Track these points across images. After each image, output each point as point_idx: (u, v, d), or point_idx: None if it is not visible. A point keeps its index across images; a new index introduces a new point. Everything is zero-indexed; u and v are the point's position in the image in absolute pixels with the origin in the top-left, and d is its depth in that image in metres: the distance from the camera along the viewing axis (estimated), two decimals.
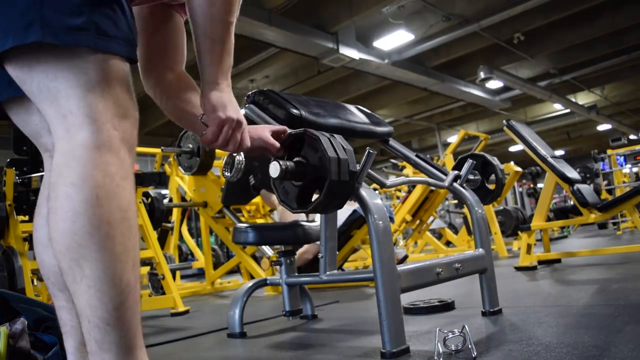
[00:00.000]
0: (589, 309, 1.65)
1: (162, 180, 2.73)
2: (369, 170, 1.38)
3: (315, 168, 1.26)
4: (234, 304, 1.89)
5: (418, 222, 5.50)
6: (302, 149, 1.30)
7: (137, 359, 0.84)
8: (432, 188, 5.15)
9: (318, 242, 1.84)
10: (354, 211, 3.71)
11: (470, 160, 1.84)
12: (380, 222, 1.32)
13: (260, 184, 3.74)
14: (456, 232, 8.07)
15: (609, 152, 7.22)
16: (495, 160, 1.91)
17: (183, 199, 4.53)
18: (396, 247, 3.45)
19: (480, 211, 1.77)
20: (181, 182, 4.41)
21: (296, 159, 1.29)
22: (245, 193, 3.89)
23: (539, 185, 9.81)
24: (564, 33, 8.55)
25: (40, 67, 0.83)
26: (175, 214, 4.78)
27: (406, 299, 1.87)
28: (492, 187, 1.93)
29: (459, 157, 1.96)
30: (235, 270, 4.94)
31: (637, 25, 8.33)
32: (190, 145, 3.96)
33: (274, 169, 1.25)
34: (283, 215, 3.81)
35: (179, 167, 4.17)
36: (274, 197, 1.64)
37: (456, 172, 1.81)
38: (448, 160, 5.09)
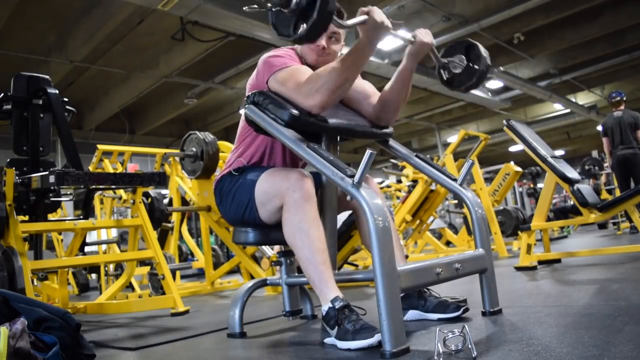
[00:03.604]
0: (589, 309, 1.65)
1: (162, 180, 2.73)
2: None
3: None
4: (234, 304, 1.89)
5: (418, 222, 5.50)
6: None
7: None
8: (432, 188, 5.16)
9: None
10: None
11: (471, 160, 1.84)
12: (380, 222, 1.32)
13: None
14: (456, 232, 8.07)
15: None
16: (478, 45, 1.93)
17: (183, 199, 4.54)
18: None
19: (480, 211, 1.77)
20: (181, 182, 4.41)
21: None
22: None
23: (539, 185, 9.81)
24: (564, 33, 8.55)
25: None
26: (176, 214, 4.78)
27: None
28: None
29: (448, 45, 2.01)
30: (235, 270, 4.94)
31: (637, 25, 8.33)
32: (194, 149, 3.92)
33: None
34: None
35: (183, 171, 4.14)
36: None
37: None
38: (448, 160, 5.09)
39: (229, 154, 4.41)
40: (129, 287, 4.16)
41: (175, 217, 4.81)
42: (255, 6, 1.52)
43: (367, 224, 1.33)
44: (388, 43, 7.99)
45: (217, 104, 10.66)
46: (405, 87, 1.82)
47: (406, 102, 1.86)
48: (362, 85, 1.93)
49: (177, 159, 4.21)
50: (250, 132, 1.82)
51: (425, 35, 1.81)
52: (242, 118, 1.81)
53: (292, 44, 1.65)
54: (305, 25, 1.41)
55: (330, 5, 1.38)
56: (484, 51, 1.92)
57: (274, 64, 1.70)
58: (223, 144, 4.34)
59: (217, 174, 1.95)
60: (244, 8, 1.54)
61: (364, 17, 1.55)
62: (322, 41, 1.78)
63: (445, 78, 2.00)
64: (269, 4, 1.45)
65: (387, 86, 1.84)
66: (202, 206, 4.00)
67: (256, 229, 1.80)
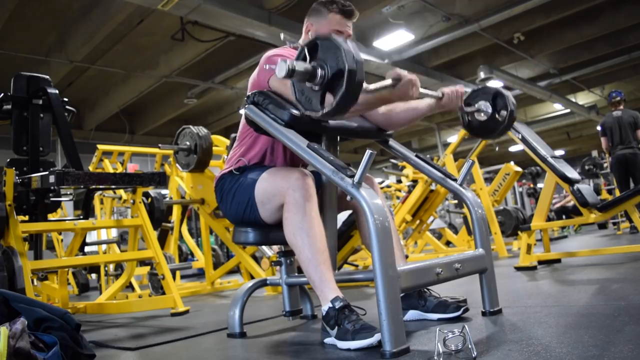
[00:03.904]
0: (589, 309, 1.65)
1: (162, 180, 2.73)
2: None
3: (332, 68, 1.33)
4: (234, 304, 1.89)
5: (418, 222, 5.50)
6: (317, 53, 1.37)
7: None
8: (432, 188, 5.16)
9: None
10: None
11: (471, 160, 1.84)
12: (380, 222, 1.32)
13: None
14: (456, 232, 8.07)
15: None
16: (506, 92, 1.90)
17: (183, 198, 4.54)
18: None
19: (480, 211, 1.77)
20: (181, 182, 4.41)
21: (313, 62, 1.37)
22: None
23: (539, 185, 9.81)
24: (564, 33, 8.55)
25: None
26: (176, 214, 4.78)
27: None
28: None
29: (471, 89, 1.97)
30: (236, 270, 4.94)
31: (637, 25, 8.33)
32: (188, 143, 3.97)
33: (280, 68, 1.33)
34: None
35: (177, 165, 4.18)
36: None
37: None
38: (448, 160, 5.08)
39: (222, 147, 4.44)
40: (129, 287, 4.16)
41: (175, 217, 4.81)
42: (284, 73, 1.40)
43: (367, 224, 1.33)
44: (388, 43, 7.99)
45: (217, 104, 10.66)
46: (416, 118, 1.89)
47: None
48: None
49: (174, 154, 4.22)
50: (251, 132, 1.82)
51: (454, 99, 1.82)
52: (243, 118, 1.81)
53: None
54: (333, 97, 1.34)
55: (359, 76, 1.30)
56: (512, 102, 1.87)
57: (276, 64, 1.70)
58: (217, 138, 4.36)
59: (218, 172, 1.94)
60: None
61: (391, 82, 1.58)
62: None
63: (467, 122, 1.97)
64: (292, 78, 1.40)
65: (400, 108, 1.85)
66: (196, 199, 4.04)
67: (256, 229, 1.80)
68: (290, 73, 1.34)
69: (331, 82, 1.35)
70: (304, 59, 1.39)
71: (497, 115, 1.88)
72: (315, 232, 1.57)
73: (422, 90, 1.68)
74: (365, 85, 1.43)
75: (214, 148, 4.08)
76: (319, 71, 1.36)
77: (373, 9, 6.83)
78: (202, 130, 3.97)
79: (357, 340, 1.39)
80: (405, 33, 7.73)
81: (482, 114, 1.90)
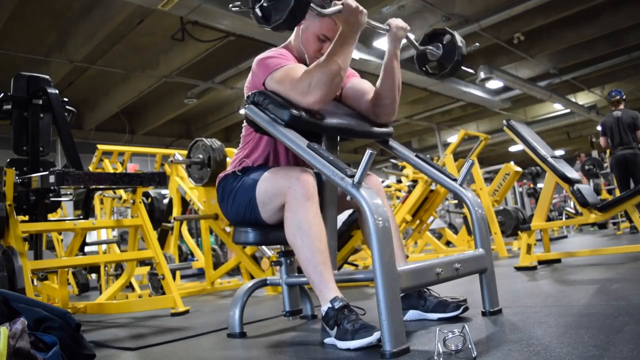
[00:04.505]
0: (589, 309, 1.65)
1: (162, 180, 2.73)
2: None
3: None
4: (234, 304, 1.89)
5: (418, 222, 5.50)
6: None
7: None
8: (432, 188, 5.16)
9: None
10: (354, 211, 3.70)
11: (471, 160, 1.84)
12: (380, 222, 1.32)
13: None
14: (456, 232, 8.07)
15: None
16: (455, 34, 1.98)
17: (183, 199, 4.53)
18: None
19: (480, 211, 1.77)
20: (181, 182, 4.41)
21: None
22: None
23: (539, 185, 9.81)
24: (564, 33, 8.55)
25: None
26: (175, 214, 4.77)
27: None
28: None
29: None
30: (236, 270, 4.94)
31: (637, 25, 8.33)
32: (201, 156, 3.87)
33: None
34: None
35: (189, 179, 4.07)
36: None
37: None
38: (448, 160, 5.09)
39: None
40: (129, 287, 4.16)
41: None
42: (239, 2, 1.53)
43: (367, 224, 1.33)
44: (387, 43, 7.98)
45: (217, 104, 10.66)
46: (392, 75, 1.84)
47: (400, 93, 1.88)
48: (360, 83, 1.95)
49: (186, 167, 4.15)
50: (254, 134, 1.82)
51: (399, 21, 1.89)
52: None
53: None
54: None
55: None
56: (459, 40, 1.96)
57: (269, 65, 1.71)
58: (230, 151, 4.31)
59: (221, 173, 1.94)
60: (230, 6, 1.56)
61: (339, 6, 1.62)
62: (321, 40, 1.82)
63: (422, 67, 2.07)
64: None
65: (379, 80, 1.87)
66: (210, 214, 3.94)
67: (256, 229, 1.80)
68: None
69: None
70: None
71: (447, 53, 1.98)
72: (315, 232, 1.56)
73: (369, 21, 1.76)
74: (319, 9, 1.54)
75: (227, 160, 4.01)
76: None
77: (373, 9, 6.83)
78: (216, 143, 3.86)
79: (357, 340, 1.39)
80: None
81: (434, 55, 2.00)
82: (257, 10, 1.49)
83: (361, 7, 1.67)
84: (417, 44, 2.01)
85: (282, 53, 1.81)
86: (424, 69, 2.07)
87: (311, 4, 1.46)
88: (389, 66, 1.84)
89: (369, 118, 1.89)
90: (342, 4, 1.63)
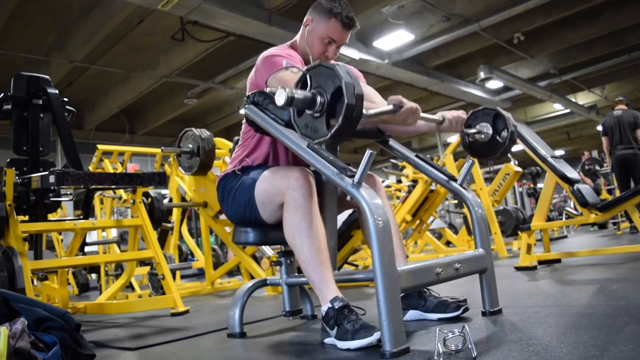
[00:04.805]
0: (589, 309, 1.65)
1: (162, 180, 2.73)
2: None
3: (331, 95, 1.33)
4: (234, 304, 1.89)
5: (418, 222, 5.50)
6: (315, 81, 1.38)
7: None
8: (432, 188, 5.16)
9: None
10: (354, 211, 3.70)
11: (471, 160, 1.84)
12: (380, 222, 1.32)
13: None
14: (456, 232, 8.07)
15: None
16: (507, 114, 1.89)
17: (183, 199, 4.53)
18: None
19: (480, 211, 1.77)
20: (181, 182, 4.41)
21: (312, 90, 1.37)
22: None
23: (539, 185, 9.81)
24: (564, 33, 8.55)
25: None
26: (175, 214, 4.78)
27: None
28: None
29: (471, 111, 1.95)
30: (236, 271, 4.94)
31: (637, 25, 8.33)
32: (190, 146, 3.96)
33: (280, 96, 1.33)
34: None
35: (179, 168, 4.17)
36: None
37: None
38: (448, 160, 5.08)
39: (225, 150, 4.43)
40: (129, 287, 4.16)
41: (175, 217, 4.81)
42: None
43: (367, 224, 1.33)
44: (388, 43, 7.99)
45: (217, 104, 10.66)
46: (414, 133, 1.91)
47: None
48: (368, 93, 1.88)
49: (176, 156, 4.21)
50: (254, 133, 1.82)
51: (455, 124, 1.84)
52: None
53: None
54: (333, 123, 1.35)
55: (357, 110, 1.30)
56: (512, 123, 1.87)
57: (274, 63, 1.71)
58: (219, 141, 4.35)
59: (221, 172, 1.95)
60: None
61: (391, 107, 1.58)
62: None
63: (467, 144, 1.97)
64: (291, 107, 1.40)
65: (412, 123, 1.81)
66: (199, 202, 4.02)
67: (256, 229, 1.80)
68: (290, 101, 1.34)
69: (331, 107, 1.34)
70: (304, 87, 1.39)
71: (497, 137, 1.89)
72: (315, 232, 1.56)
73: (422, 114, 1.67)
74: (365, 110, 1.42)
75: (216, 151, 4.06)
76: (319, 98, 1.36)
77: (373, 9, 6.84)
78: (205, 133, 3.95)
79: (357, 340, 1.39)
80: (405, 33, 7.73)
81: (483, 136, 1.90)
82: (298, 122, 1.44)
83: (416, 105, 1.63)
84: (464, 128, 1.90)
85: (289, 53, 1.81)
86: (469, 146, 1.96)
87: (365, 112, 1.41)
88: (420, 130, 1.88)
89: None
90: (399, 105, 1.58)
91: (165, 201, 4.98)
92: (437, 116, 1.80)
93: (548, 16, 7.69)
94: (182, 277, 5.99)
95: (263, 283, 2.00)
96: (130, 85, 8.79)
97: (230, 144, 4.29)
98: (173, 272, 4.34)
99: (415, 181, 5.38)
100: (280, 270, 1.92)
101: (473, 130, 1.90)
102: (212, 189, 3.95)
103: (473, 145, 1.95)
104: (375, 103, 1.74)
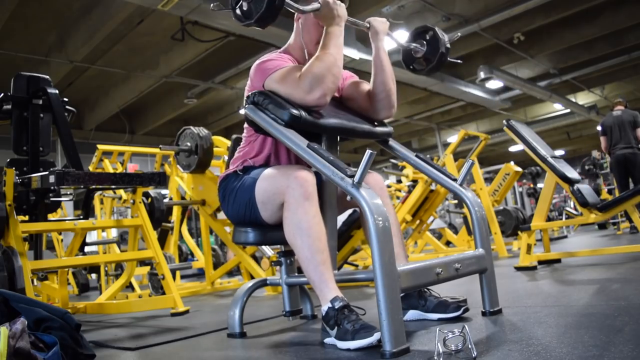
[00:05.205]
0: (589, 309, 1.65)
1: (162, 180, 2.73)
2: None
3: None
4: (234, 304, 1.89)
5: (418, 222, 5.50)
6: None
7: None
8: (432, 188, 5.17)
9: None
10: (354, 211, 3.70)
11: (471, 160, 1.85)
12: (380, 222, 1.32)
13: None
14: (456, 232, 8.07)
15: None
16: (442, 34, 2.05)
17: (183, 199, 4.54)
18: None
19: (480, 211, 1.77)
20: (181, 182, 4.42)
21: None
22: None
23: (539, 185, 9.81)
24: (564, 33, 8.55)
25: None
26: (175, 214, 4.78)
27: None
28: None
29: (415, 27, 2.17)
30: (236, 271, 4.94)
31: (637, 25, 8.33)
32: (189, 144, 3.97)
33: None
34: None
35: (178, 166, 4.18)
36: None
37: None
38: (448, 160, 5.09)
39: (223, 148, 4.44)
40: (129, 287, 4.16)
41: (175, 217, 4.81)
42: (217, 2, 1.62)
43: (367, 224, 1.33)
44: (388, 43, 7.97)
45: (217, 104, 10.66)
46: (382, 68, 1.89)
47: (395, 85, 1.92)
48: (359, 83, 1.97)
49: (174, 155, 4.23)
50: (255, 134, 1.82)
51: (379, 19, 1.98)
52: None
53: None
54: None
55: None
56: (441, 33, 2.03)
57: (267, 68, 1.72)
58: (218, 139, 4.36)
59: (222, 172, 1.95)
60: (211, 6, 1.62)
61: (317, 4, 1.68)
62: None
63: (410, 65, 2.15)
64: None
65: (372, 76, 1.92)
66: (197, 200, 4.03)
67: (256, 229, 1.80)
68: None
69: None
70: None
71: (431, 49, 2.06)
72: (315, 231, 1.56)
73: (349, 18, 1.80)
74: (297, 6, 1.63)
75: (214, 149, 4.08)
76: None
77: (373, 9, 6.84)
78: (203, 131, 3.97)
79: (357, 340, 1.39)
80: (406, 33, 7.72)
81: (419, 52, 2.08)
82: (237, 11, 1.55)
83: (338, 1, 1.73)
84: (401, 42, 2.09)
85: (280, 56, 1.82)
86: (411, 67, 2.15)
87: (286, 1, 1.53)
88: (378, 60, 1.90)
89: (370, 117, 1.89)
90: (320, 1, 1.68)
91: (165, 201, 4.99)
92: (363, 22, 1.95)
93: (548, 16, 7.68)
94: (182, 277, 5.99)
95: (263, 283, 2.00)
96: (130, 85, 8.79)
97: (228, 142, 4.29)
98: (173, 272, 4.34)
99: (415, 181, 5.39)
100: (280, 270, 1.92)
101: (409, 45, 2.10)
102: (210, 187, 3.95)
103: (411, 61, 2.15)
104: (366, 91, 1.92)
